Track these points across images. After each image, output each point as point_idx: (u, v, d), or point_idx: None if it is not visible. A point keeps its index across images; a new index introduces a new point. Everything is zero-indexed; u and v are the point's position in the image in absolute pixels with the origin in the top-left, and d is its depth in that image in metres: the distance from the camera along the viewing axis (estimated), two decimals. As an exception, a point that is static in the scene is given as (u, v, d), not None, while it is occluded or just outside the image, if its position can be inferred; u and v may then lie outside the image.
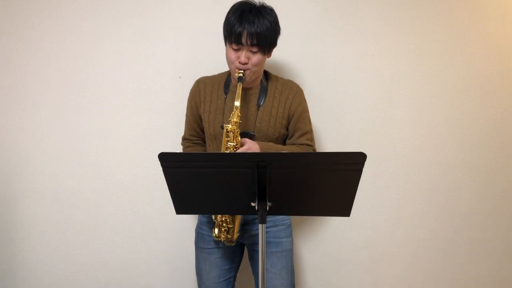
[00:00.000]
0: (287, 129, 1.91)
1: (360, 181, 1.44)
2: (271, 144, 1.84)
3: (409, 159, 2.30)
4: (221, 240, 1.85)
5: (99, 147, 2.27)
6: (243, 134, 1.81)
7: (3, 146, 2.28)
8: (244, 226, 1.87)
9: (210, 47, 2.24)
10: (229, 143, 1.74)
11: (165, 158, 1.42)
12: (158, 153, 1.41)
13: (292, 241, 1.95)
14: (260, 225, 1.49)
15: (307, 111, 1.95)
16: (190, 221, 2.30)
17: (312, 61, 2.25)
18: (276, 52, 1.97)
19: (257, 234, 1.85)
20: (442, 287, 2.37)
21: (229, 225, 1.82)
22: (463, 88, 2.29)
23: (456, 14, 2.26)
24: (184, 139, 2.05)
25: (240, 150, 1.73)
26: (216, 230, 1.85)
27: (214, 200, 1.55)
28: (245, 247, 1.99)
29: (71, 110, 2.27)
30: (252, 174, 1.42)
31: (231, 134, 1.74)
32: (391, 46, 2.26)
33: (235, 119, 1.73)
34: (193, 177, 1.48)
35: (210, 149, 1.92)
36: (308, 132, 1.93)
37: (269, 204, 1.47)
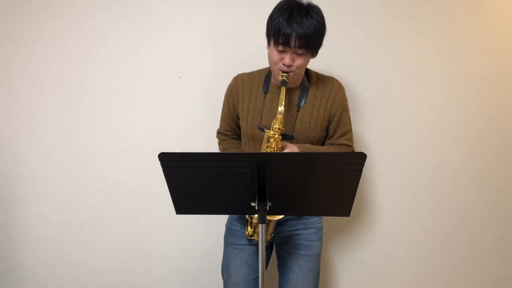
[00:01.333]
0: (327, 130, 1.86)
1: (360, 181, 1.44)
2: (308, 145, 1.79)
3: (409, 159, 2.30)
4: (254, 239, 1.80)
5: (99, 147, 2.27)
6: (281, 136, 1.75)
7: (3, 146, 2.28)
8: (276, 226, 1.82)
9: (211, 47, 2.24)
10: (268, 149, 1.71)
11: (165, 158, 1.42)
12: (158, 153, 1.41)
13: (321, 245, 1.91)
14: (260, 225, 1.49)
15: (348, 110, 1.90)
16: (190, 221, 2.30)
17: (311, 61, 2.25)
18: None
19: (289, 235, 1.86)
20: (442, 286, 2.37)
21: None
22: (463, 88, 2.29)
23: (456, 14, 2.26)
24: (219, 132, 2.02)
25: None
26: (249, 228, 1.81)
27: (214, 200, 1.55)
28: (274, 245, 1.95)
29: (71, 110, 2.27)
30: (252, 174, 1.42)
31: (272, 140, 1.70)
32: (391, 46, 2.26)
33: (277, 126, 1.68)
34: (193, 177, 1.48)
35: (246, 148, 1.88)
36: (348, 132, 1.88)
37: (269, 204, 1.46)
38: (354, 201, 1.49)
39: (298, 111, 1.81)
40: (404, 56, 2.27)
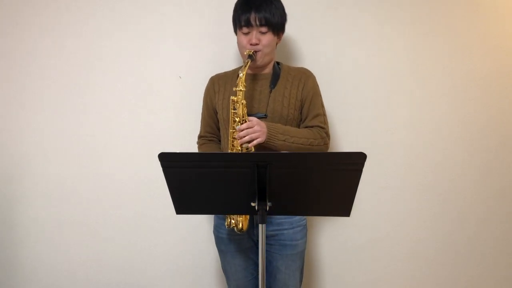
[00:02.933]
0: (300, 113, 1.91)
1: (360, 181, 1.44)
2: (279, 125, 1.82)
3: (409, 159, 2.30)
4: (232, 227, 1.80)
5: (99, 147, 2.28)
6: (255, 116, 1.80)
7: (3, 146, 2.28)
8: (259, 225, 1.84)
9: (210, 47, 2.24)
10: (236, 117, 1.75)
11: (165, 158, 1.42)
12: (158, 153, 1.41)
13: (306, 241, 1.94)
14: (260, 225, 1.49)
15: (320, 95, 1.95)
16: (190, 221, 2.30)
17: (312, 61, 2.25)
18: (276, 52, 1.97)
19: (273, 235, 1.86)
20: (442, 286, 2.37)
21: (238, 217, 1.79)
22: (463, 88, 2.29)
23: (456, 14, 2.26)
24: (199, 137, 2.04)
25: (245, 125, 1.73)
26: (228, 220, 1.81)
27: (214, 200, 1.55)
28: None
29: (71, 110, 2.27)
30: (252, 174, 1.42)
31: (237, 106, 1.75)
32: (391, 46, 2.26)
33: (240, 88, 1.74)
34: (193, 177, 1.48)
35: (224, 136, 1.91)
36: (320, 114, 1.91)
37: (269, 204, 1.46)
38: (354, 201, 1.49)
39: (270, 92, 1.88)
40: (404, 56, 2.27)
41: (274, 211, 1.50)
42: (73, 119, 2.27)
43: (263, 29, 1.82)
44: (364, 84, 2.27)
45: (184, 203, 1.54)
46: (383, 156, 2.29)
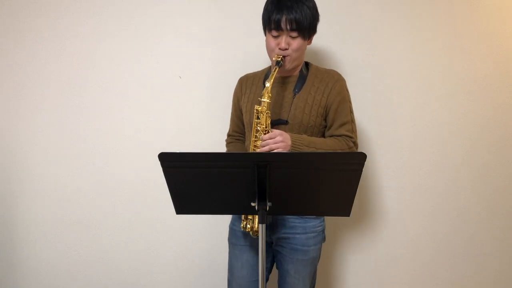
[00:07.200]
0: (325, 119, 1.84)
1: (360, 181, 1.44)
2: (304, 136, 1.78)
3: (409, 159, 2.30)
4: (247, 231, 1.78)
5: (99, 147, 2.28)
6: (276, 121, 1.78)
7: (3, 146, 2.28)
8: (272, 227, 1.80)
9: (211, 47, 2.24)
10: (258, 126, 1.73)
11: (165, 158, 1.42)
12: (158, 153, 1.41)
13: (320, 248, 1.88)
14: (260, 225, 1.49)
15: (348, 101, 1.87)
16: (190, 221, 2.30)
17: (311, 61, 2.25)
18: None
19: (285, 238, 1.82)
20: (442, 286, 2.37)
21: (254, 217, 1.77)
22: (463, 88, 2.29)
23: (456, 14, 2.26)
24: (228, 135, 2.04)
25: (267, 135, 1.70)
26: (244, 222, 1.79)
27: (214, 200, 1.55)
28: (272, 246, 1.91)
29: (71, 110, 2.27)
30: (252, 174, 1.42)
31: (261, 116, 1.72)
32: (391, 46, 2.26)
33: (265, 99, 1.70)
34: (193, 177, 1.48)
35: (248, 140, 1.88)
36: (348, 122, 1.83)
37: (269, 204, 1.47)
38: (354, 201, 1.49)
39: (294, 97, 1.83)
40: (404, 56, 2.27)
41: (274, 211, 1.50)
42: (74, 119, 2.27)
43: (294, 33, 1.74)
44: (364, 84, 2.27)
45: (184, 203, 1.54)
46: (383, 156, 2.29)
